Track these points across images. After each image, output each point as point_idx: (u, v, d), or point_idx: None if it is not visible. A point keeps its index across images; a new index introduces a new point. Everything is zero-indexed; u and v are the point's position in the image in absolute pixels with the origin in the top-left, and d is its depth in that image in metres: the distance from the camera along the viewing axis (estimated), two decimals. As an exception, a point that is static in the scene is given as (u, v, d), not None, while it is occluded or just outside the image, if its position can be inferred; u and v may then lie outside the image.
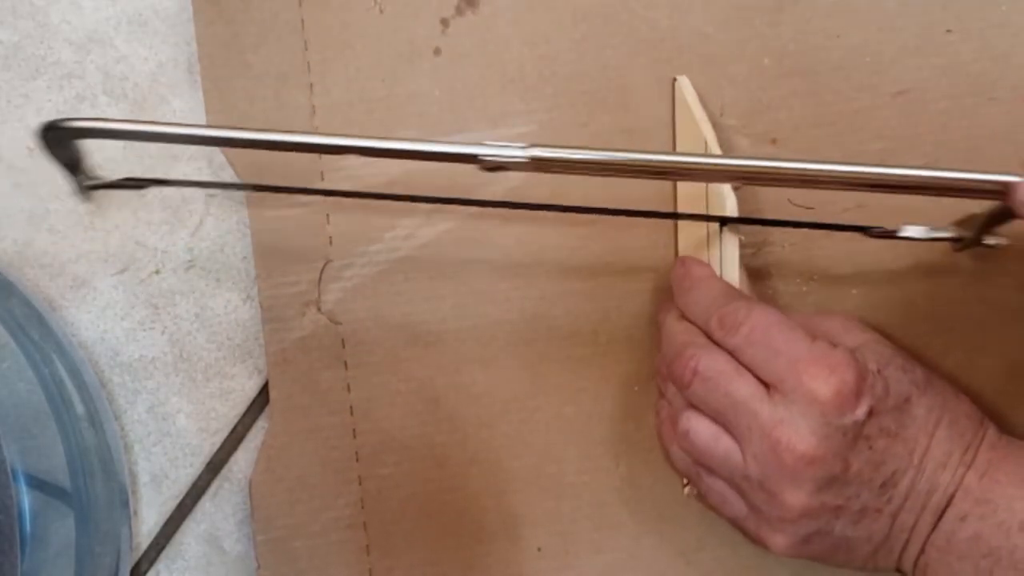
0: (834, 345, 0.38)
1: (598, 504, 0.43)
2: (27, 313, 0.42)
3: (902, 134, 0.43)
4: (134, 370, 0.45)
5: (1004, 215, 0.38)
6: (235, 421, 0.44)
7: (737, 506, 0.38)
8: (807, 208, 0.43)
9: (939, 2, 0.43)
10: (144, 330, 0.45)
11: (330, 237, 0.43)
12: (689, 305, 0.40)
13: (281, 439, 0.42)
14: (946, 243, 0.41)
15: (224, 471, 0.45)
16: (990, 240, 0.40)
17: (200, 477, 0.44)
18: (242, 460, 0.44)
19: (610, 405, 0.44)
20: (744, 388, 0.37)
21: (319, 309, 0.42)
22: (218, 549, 0.44)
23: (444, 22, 0.44)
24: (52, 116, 0.45)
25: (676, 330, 0.40)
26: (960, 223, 0.40)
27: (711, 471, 0.39)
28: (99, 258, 0.45)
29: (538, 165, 0.35)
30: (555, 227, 0.43)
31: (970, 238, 0.40)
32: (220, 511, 0.45)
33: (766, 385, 0.37)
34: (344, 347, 0.42)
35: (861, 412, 0.36)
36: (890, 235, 0.41)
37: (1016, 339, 0.44)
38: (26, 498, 0.40)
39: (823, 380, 0.36)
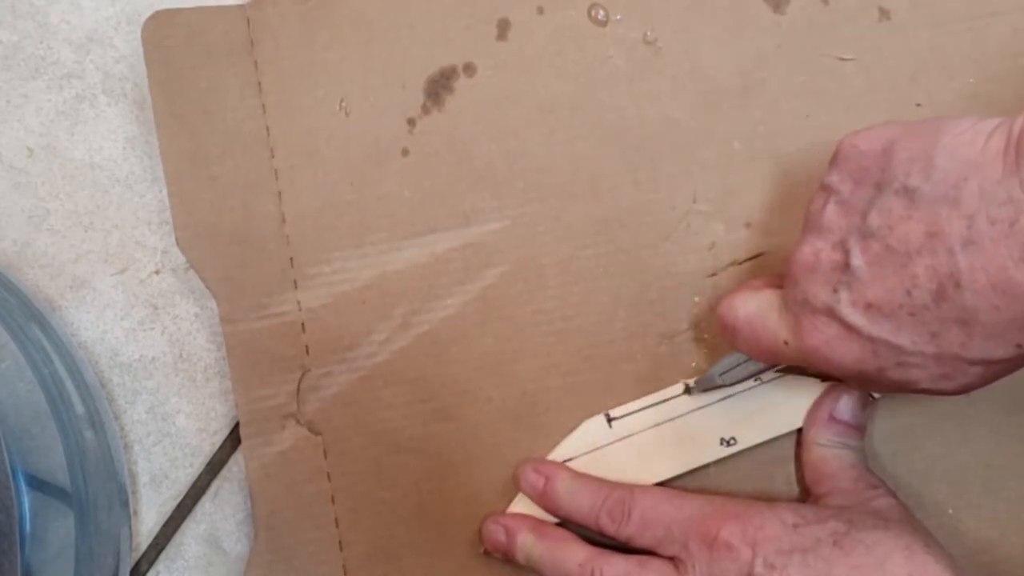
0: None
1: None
2: (27, 313, 0.42)
3: (878, 209, 0.43)
4: (134, 370, 0.44)
5: None
6: (235, 421, 0.44)
7: None
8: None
9: (907, 76, 0.43)
10: (144, 330, 0.44)
11: (306, 346, 0.42)
12: (572, 511, 0.40)
13: (266, 557, 0.41)
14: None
15: (224, 471, 0.44)
16: None
17: (200, 477, 0.44)
18: (242, 460, 0.43)
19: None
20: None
21: (298, 421, 0.42)
22: (218, 549, 0.44)
23: (411, 122, 0.44)
24: (52, 116, 0.45)
25: (567, 554, 0.39)
26: None
27: None
28: (99, 258, 0.45)
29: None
30: (533, 325, 0.43)
31: None
32: (220, 511, 0.44)
33: (673, 560, 0.37)
34: (326, 458, 0.42)
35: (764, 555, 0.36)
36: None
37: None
38: (26, 498, 0.40)
39: (726, 531, 0.36)
